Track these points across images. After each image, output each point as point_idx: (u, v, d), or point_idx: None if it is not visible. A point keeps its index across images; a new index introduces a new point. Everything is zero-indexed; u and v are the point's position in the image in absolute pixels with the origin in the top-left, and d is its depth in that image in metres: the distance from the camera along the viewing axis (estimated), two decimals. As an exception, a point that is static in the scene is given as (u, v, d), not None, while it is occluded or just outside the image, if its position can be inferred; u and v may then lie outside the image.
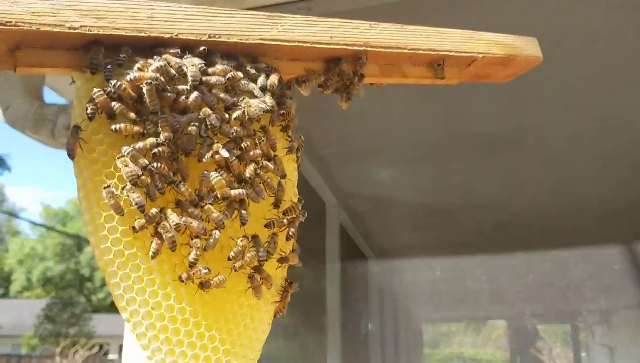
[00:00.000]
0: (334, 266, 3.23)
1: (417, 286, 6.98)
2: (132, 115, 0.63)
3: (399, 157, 3.14)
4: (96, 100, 0.62)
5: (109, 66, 0.64)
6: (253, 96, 0.69)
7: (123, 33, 0.64)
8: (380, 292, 4.99)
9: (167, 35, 0.66)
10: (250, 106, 0.68)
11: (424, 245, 4.78)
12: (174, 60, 0.66)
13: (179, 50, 0.67)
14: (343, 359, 3.03)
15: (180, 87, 0.65)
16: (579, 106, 2.46)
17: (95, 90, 0.63)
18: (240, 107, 0.68)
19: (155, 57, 0.66)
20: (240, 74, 0.69)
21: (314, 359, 2.94)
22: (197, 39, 0.68)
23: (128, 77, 0.63)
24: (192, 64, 0.66)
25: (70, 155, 0.64)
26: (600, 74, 2.19)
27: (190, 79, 0.65)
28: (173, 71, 0.65)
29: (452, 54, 0.79)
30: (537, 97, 2.39)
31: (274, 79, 0.71)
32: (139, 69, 0.64)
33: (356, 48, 0.75)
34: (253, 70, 0.71)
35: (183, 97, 0.65)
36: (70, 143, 0.63)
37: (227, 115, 0.67)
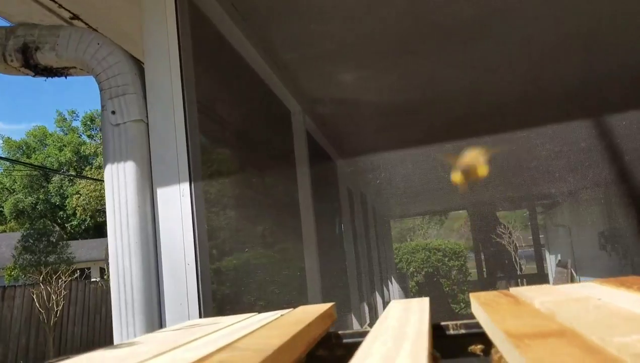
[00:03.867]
0: (304, 171, 3.25)
1: (383, 185, 7.14)
2: None
3: (362, 57, 3.10)
4: None
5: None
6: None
7: None
8: (350, 193, 5.09)
9: None
10: None
11: (390, 145, 4.84)
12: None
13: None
14: (320, 258, 3.13)
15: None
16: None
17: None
18: None
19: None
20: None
21: (293, 261, 3.03)
22: None
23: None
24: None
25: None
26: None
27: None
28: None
29: None
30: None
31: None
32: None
33: None
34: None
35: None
36: None
37: None
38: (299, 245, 3.01)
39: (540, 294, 0.82)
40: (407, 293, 10.64)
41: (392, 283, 8.83)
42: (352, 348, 0.89)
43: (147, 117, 1.60)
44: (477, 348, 0.82)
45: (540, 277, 10.66)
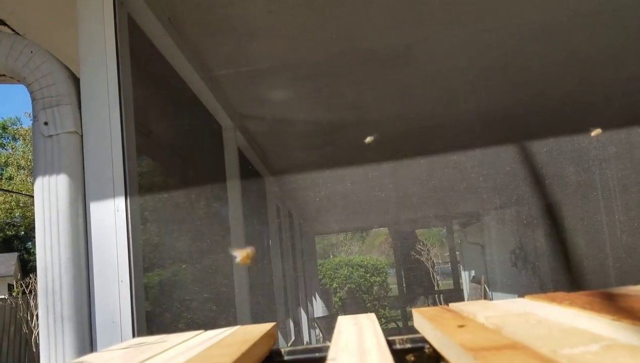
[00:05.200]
0: (234, 186, 3.24)
1: (308, 202, 7.21)
2: None
3: (292, 77, 3.15)
4: None
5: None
6: None
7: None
8: (277, 209, 5.11)
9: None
10: None
11: (317, 163, 4.91)
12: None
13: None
14: (249, 273, 3.12)
15: None
16: (466, 19, 2.59)
17: None
18: None
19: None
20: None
21: (223, 273, 3.00)
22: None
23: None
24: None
25: None
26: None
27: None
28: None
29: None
30: (426, 12, 2.49)
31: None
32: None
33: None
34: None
35: None
36: None
37: None
38: (229, 261, 2.99)
39: (482, 309, 0.87)
40: (331, 309, 10.72)
41: (315, 300, 8.87)
42: (302, 364, 0.91)
43: (81, 129, 1.55)
44: (412, 357, 0.86)
45: (456, 292, 11.06)
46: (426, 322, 0.86)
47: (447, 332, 0.72)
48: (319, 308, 9.40)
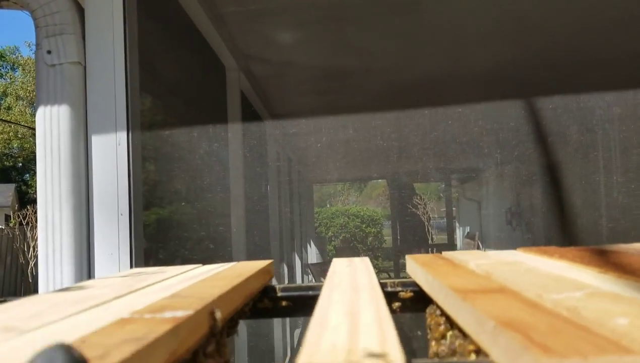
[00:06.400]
0: (236, 128, 3.24)
1: (309, 150, 7.20)
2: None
3: (299, 19, 3.09)
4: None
5: None
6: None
7: None
8: (278, 155, 5.11)
9: None
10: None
11: (320, 109, 4.89)
12: None
13: None
14: (246, 213, 3.15)
15: None
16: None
17: None
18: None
19: None
20: None
21: (219, 214, 3.04)
22: None
23: None
24: None
25: None
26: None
27: None
28: None
29: None
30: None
31: None
32: None
33: None
34: None
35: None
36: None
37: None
38: (227, 202, 3.02)
39: (473, 257, 0.89)
40: (325, 257, 10.89)
41: (310, 246, 9.00)
42: (296, 300, 0.93)
43: (85, 60, 1.54)
44: (407, 294, 0.89)
45: (449, 247, 11.21)
46: (418, 267, 0.88)
47: (437, 276, 0.74)
48: (313, 255, 9.55)
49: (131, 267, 1.52)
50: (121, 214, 1.52)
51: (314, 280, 7.89)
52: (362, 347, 0.39)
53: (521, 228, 8.44)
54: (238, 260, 2.97)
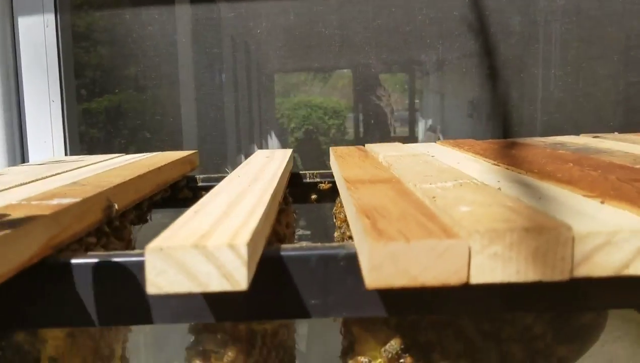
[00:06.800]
0: (185, 11, 3.10)
1: (269, 34, 6.98)
2: None
3: None
4: None
5: None
6: None
7: None
8: (233, 41, 4.95)
9: None
10: None
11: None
12: None
13: None
14: (198, 106, 3.11)
15: None
16: None
17: None
18: None
19: None
20: None
21: (167, 110, 2.99)
22: None
23: None
24: None
25: None
26: None
27: None
28: None
29: None
30: None
31: None
32: None
33: None
34: None
35: None
36: None
37: None
38: (175, 90, 2.95)
39: (387, 150, 0.92)
40: (286, 148, 10.88)
41: (271, 138, 8.97)
42: (215, 189, 0.96)
43: None
44: (326, 186, 0.93)
45: (411, 140, 11.26)
46: (334, 159, 0.90)
47: (342, 168, 0.77)
48: (274, 146, 9.55)
49: (66, 155, 1.51)
50: (52, 101, 1.49)
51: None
52: (219, 232, 0.41)
53: (481, 121, 8.59)
54: (189, 149, 2.96)
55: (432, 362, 0.55)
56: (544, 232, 0.37)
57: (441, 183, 0.56)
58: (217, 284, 0.38)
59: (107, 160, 0.95)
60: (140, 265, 0.44)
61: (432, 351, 0.55)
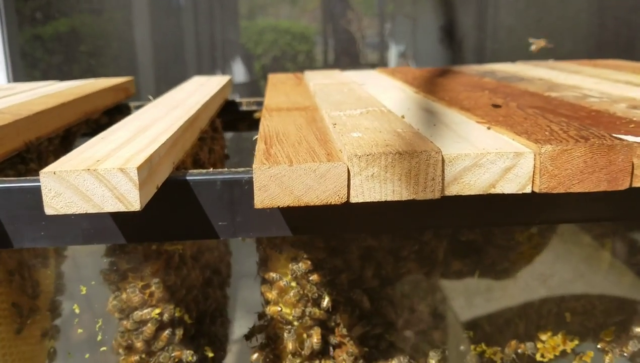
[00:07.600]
0: None
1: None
2: None
3: None
4: None
5: None
6: None
7: None
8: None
9: None
10: None
11: None
12: None
13: None
14: (152, 27, 3.01)
15: None
16: None
17: None
18: None
19: None
20: None
21: (121, 33, 2.89)
22: None
23: None
24: None
25: None
26: None
27: None
28: None
29: None
30: None
31: None
32: None
33: None
34: None
35: None
36: None
37: None
38: (128, 12, 2.85)
39: (320, 78, 0.93)
40: (253, 76, 10.69)
41: (236, 64, 8.77)
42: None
43: None
44: (260, 114, 0.94)
45: (381, 66, 11.25)
46: (267, 86, 0.91)
47: (269, 95, 0.78)
48: (240, 74, 9.34)
49: (8, 80, 1.48)
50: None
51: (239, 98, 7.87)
52: (116, 157, 0.43)
53: (452, 47, 8.52)
54: (144, 77, 2.91)
55: (339, 282, 0.59)
56: (415, 155, 0.39)
57: (350, 110, 0.58)
58: (111, 205, 0.40)
59: (38, 88, 0.93)
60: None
61: (340, 272, 0.59)
